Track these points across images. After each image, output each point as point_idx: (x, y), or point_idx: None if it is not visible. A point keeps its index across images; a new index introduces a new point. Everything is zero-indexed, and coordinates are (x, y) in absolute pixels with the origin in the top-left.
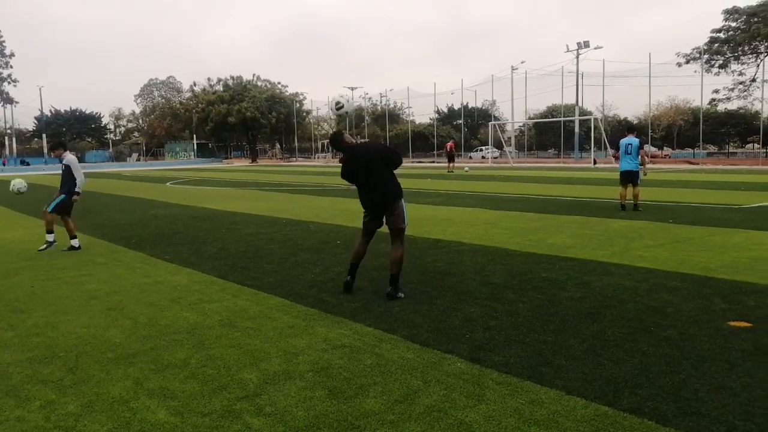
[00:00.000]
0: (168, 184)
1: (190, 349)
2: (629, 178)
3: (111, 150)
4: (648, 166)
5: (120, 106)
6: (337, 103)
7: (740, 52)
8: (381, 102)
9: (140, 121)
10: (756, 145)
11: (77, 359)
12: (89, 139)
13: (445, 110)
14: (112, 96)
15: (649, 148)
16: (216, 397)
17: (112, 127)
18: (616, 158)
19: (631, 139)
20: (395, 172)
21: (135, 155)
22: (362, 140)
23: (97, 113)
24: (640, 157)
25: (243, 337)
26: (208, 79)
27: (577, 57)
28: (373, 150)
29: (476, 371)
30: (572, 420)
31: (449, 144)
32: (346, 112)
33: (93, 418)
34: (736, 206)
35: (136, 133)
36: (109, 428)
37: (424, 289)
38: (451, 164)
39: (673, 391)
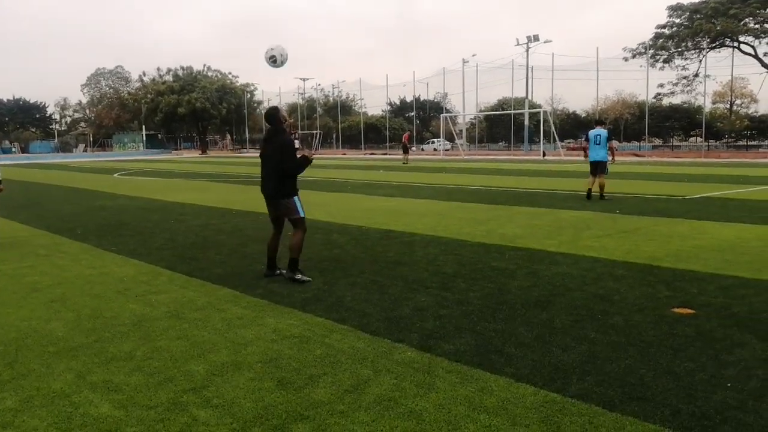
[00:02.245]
0: (116, 175)
1: (135, 341)
2: (597, 167)
3: (56, 140)
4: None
5: (66, 96)
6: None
7: (684, 48)
8: (333, 93)
9: (87, 111)
10: (699, 139)
11: (17, 353)
12: (33, 130)
13: (398, 102)
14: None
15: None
16: (162, 390)
17: (57, 117)
18: (585, 149)
19: (600, 131)
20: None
21: (81, 146)
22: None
23: (41, 103)
24: (608, 147)
25: (190, 329)
26: (158, 69)
27: (527, 50)
28: (279, 147)
29: (426, 360)
30: (521, 407)
31: (405, 135)
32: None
33: (32, 413)
34: (680, 197)
35: (82, 124)
36: (49, 423)
37: (375, 278)
38: (406, 155)
39: (620, 377)
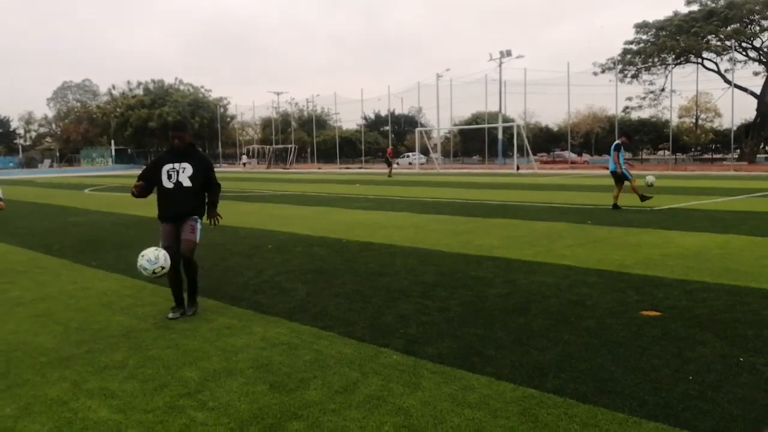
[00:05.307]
0: (86, 191)
1: (126, 351)
2: (613, 178)
3: (21, 156)
4: (571, 171)
5: (30, 110)
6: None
7: (651, 64)
8: (308, 107)
9: (53, 125)
10: (666, 152)
11: (9, 364)
12: None
13: (372, 116)
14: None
15: (569, 155)
16: (158, 395)
17: (21, 131)
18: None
19: (616, 142)
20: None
21: (48, 161)
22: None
23: (5, 117)
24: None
25: (180, 338)
26: (128, 83)
27: (500, 65)
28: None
29: (411, 362)
30: (502, 401)
31: (389, 150)
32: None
33: (33, 419)
34: (649, 208)
35: (48, 139)
36: (50, 428)
37: (357, 288)
38: (390, 169)
39: (592, 374)
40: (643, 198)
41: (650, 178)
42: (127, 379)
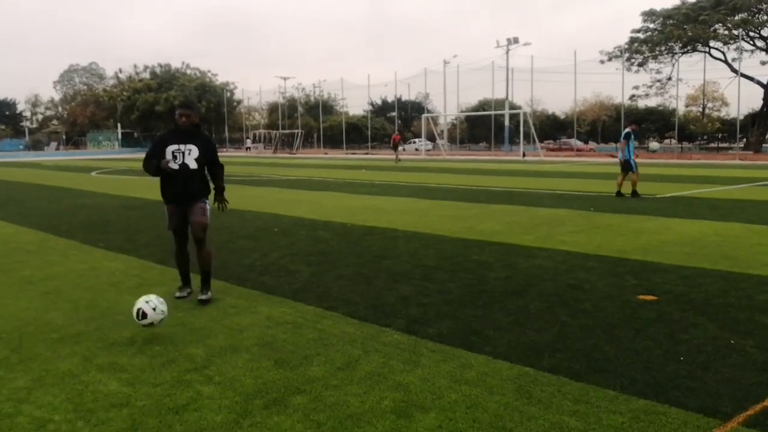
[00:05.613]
0: (93, 173)
1: (134, 328)
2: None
3: (27, 138)
4: (576, 159)
5: (37, 93)
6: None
7: (657, 52)
8: (314, 93)
9: (60, 108)
10: (673, 141)
11: (21, 339)
12: (3, 127)
13: (379, 102)
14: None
15: (575, 142)
16: (166, 370)
17: (28, 114)
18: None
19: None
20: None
21: (54, 144)
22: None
23: (11, 99)
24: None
25: (187, 317)
26: (135, 66)
27: (507, 52)
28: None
29: (412, 341)
30: (498, 379)
31: (395, 136)
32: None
33: (45, 390)
34: (651, 196)
35: (55, 121)
36: (63, 399)
37: (360, 270)
38: (397, 154)
39: (586, 353)
40: (635, 194)
41: (654, 145)
42: (135, 355)
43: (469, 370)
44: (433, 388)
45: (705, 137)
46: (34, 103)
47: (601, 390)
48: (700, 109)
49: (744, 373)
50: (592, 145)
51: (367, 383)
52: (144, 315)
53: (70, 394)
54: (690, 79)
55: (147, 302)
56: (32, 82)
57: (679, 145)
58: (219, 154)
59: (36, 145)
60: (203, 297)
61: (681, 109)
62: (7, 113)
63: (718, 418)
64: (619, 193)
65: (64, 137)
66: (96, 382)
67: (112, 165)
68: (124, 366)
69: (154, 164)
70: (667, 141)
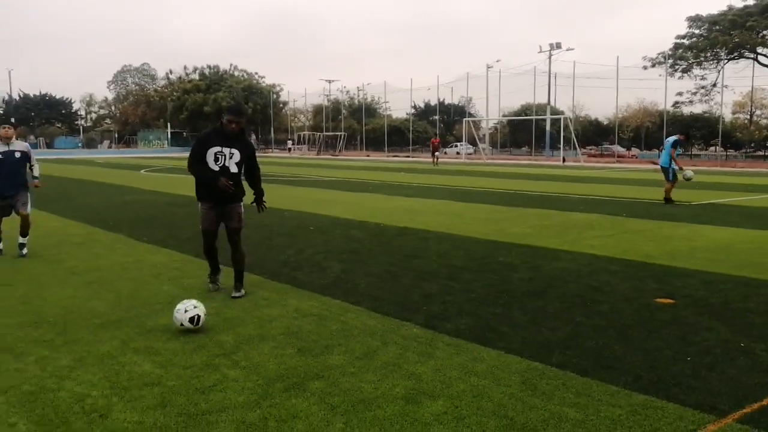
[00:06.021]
0: (142, 171)
1: (171, 317)
2: (663, 173)
3: (81, 136)
4: (617, 165)
5: (91, 92)
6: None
7: (702, 58)
8: (358, 95)
9: (112, 107)
10: (717, 148)
11: (65, 324)
12: (59, 125)
13: (422, 106)
14: (84, 82)
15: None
16: (196, 354)
17: (83, 113)
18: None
19: (670, 138)
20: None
21: (106, 142)
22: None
23: (67, 99)
24: (670, 155)
25: (221, 307)
26: (184, 68)
27: (550, 58)
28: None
29: (429, 335)
30: (507, 372)
31: (434, 140)
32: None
33: (86, 369)
34: (686, 203)
35: (107, 120)
36: (101, 377)
37: (389, 269)
38: (436, 158)
39: (596, 352)
40: (668, 201)
41: (689, 173)
42: (169, 340)
43: (480, 363)
44: (444, 378)
45: (752, 145)
46: (89, 103)
47: (604, 385)
48: (748, 117)
49: (748, 374)
50: (634, 151)
51: (382, 372)
52: (198, 320)
53: (107, 373)
54: (736, 85)
55: (195, 307)
56: (87, 82)
57: (724, 153)
58: (264, 154)
59: (89, 143)
60: (236, 294)
61: (728, 116)
62: (63, 112)
63: (714, 414)
64: (668, 200)
65: (116, 136)
66: (132, 363)
67: (160, 163)
68: (158, 350)
69: (202, 176)
70: (712, 149)
